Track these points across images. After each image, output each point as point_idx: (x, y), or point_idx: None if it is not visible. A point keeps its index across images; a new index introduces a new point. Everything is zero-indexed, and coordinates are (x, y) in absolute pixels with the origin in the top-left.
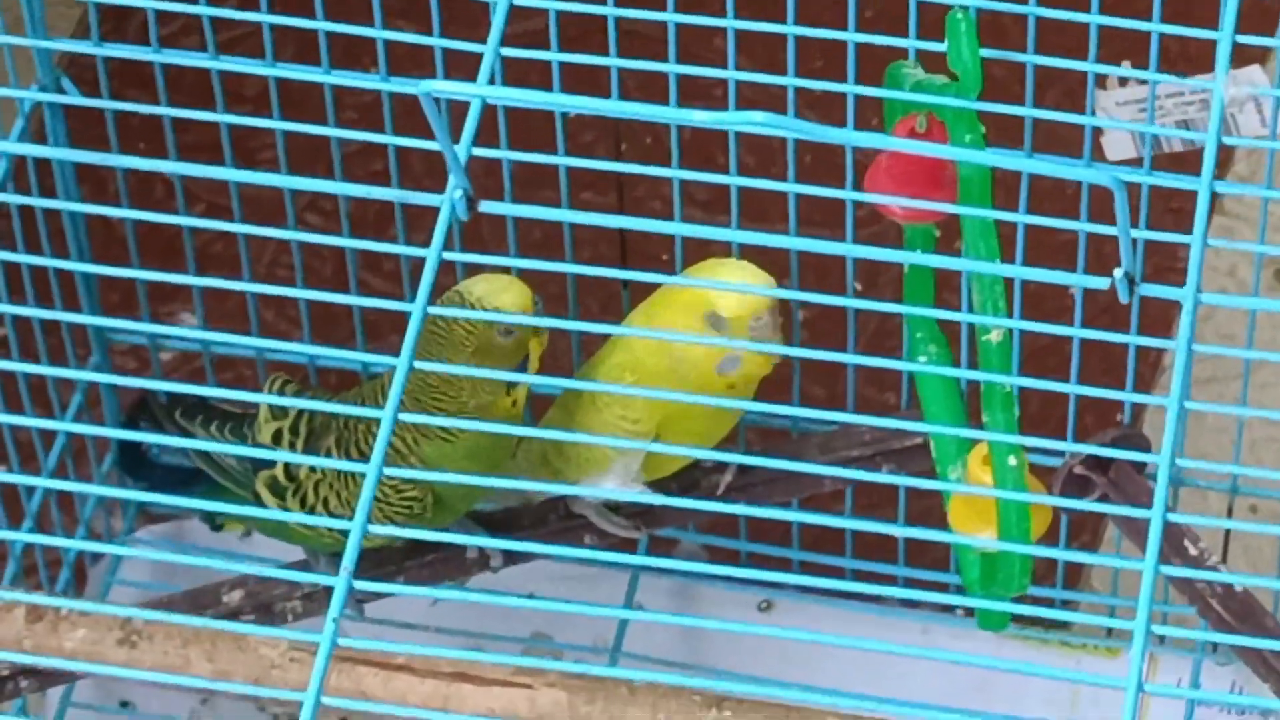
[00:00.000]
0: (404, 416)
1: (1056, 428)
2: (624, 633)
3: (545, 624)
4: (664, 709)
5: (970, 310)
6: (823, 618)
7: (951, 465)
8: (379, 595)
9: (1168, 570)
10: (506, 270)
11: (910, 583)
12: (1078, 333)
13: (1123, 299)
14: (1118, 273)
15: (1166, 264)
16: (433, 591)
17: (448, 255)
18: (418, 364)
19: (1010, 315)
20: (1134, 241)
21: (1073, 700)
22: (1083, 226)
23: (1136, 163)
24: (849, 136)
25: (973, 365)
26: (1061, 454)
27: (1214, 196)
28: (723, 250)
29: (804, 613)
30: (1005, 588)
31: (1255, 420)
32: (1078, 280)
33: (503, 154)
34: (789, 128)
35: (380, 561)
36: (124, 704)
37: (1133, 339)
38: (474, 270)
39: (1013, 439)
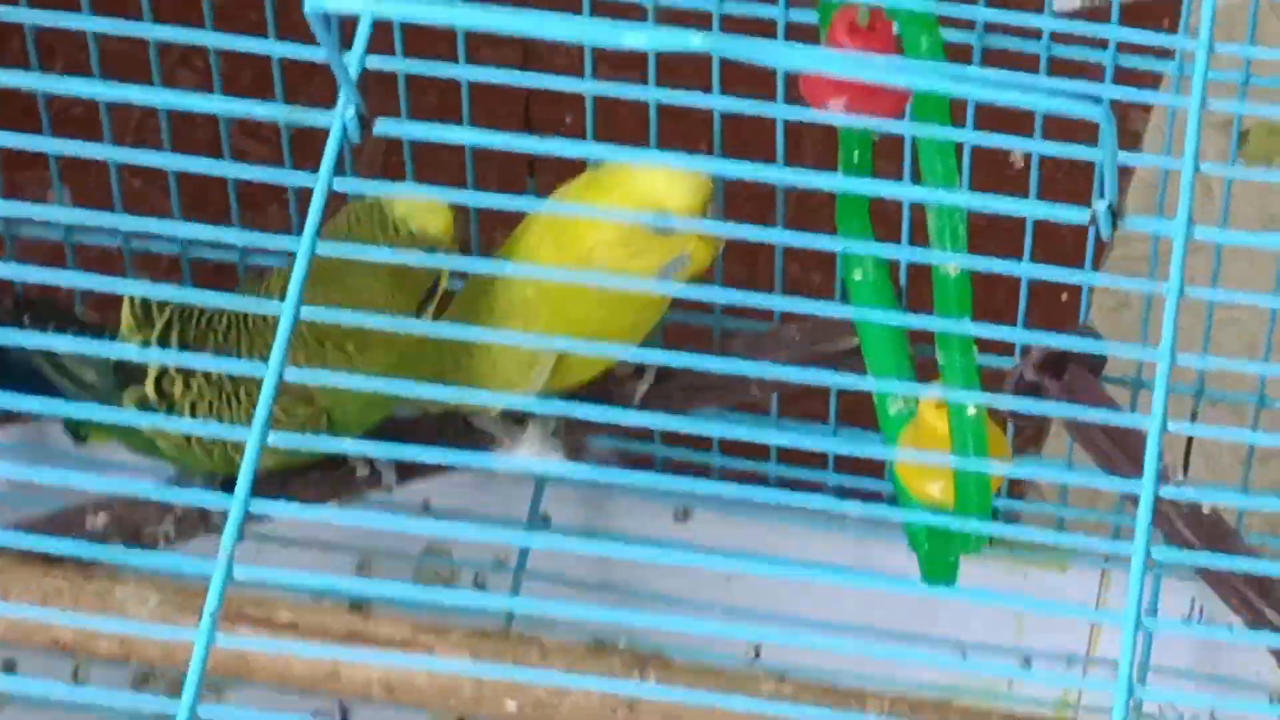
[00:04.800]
0: (307, 311)
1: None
2: (528, 549)
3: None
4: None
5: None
6: (745, 529)
7: (892, 397)
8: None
9: (1169, 493)
10: None
11: (842, 491)
12: (1080, 277)
13: (1104, 234)
14: (1100, 205)
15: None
16: (329, 514)
17: (338, 185)
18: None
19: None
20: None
21: (1018, 621)
22: (1062, 151)
23: (1086, 14)
24: (787, 56)
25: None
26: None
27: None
28: None
29: (724, 523)
30: (960, 547)
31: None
32: (1053, 214)
33: (399, 64)
34: (729, 48)
35: (259, 483)
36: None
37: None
38: None
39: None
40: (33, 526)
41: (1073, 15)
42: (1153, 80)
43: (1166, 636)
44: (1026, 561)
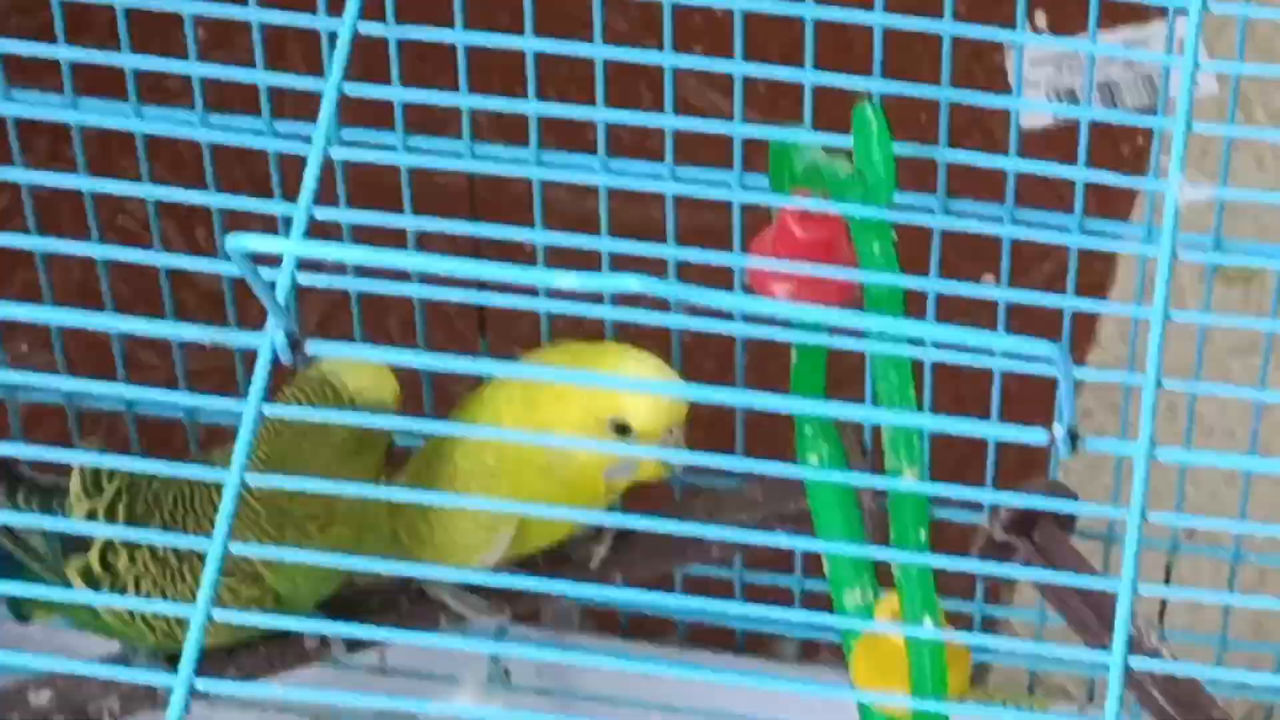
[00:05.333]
0: (251, 479)
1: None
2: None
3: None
4: None
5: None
6: (714, 691)
7: (849, 588)
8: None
9: (1139, 664)
10: None
11: (808, 648)
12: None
13: (1064, 456)
14: (1058, 429)
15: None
16: (280, 692)
17: (269, 410)
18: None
19: (924, 459)
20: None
21: None
22: (1011, 357)
23: (1055, 133)
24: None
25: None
26: (980, 509)
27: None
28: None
29: (691, 686)
30: None
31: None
32: (1006, 434)
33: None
34: (665, 290)
35: (206, 658)
36: None
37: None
38: None
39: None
40: None
41: (1043, 131)
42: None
43: None
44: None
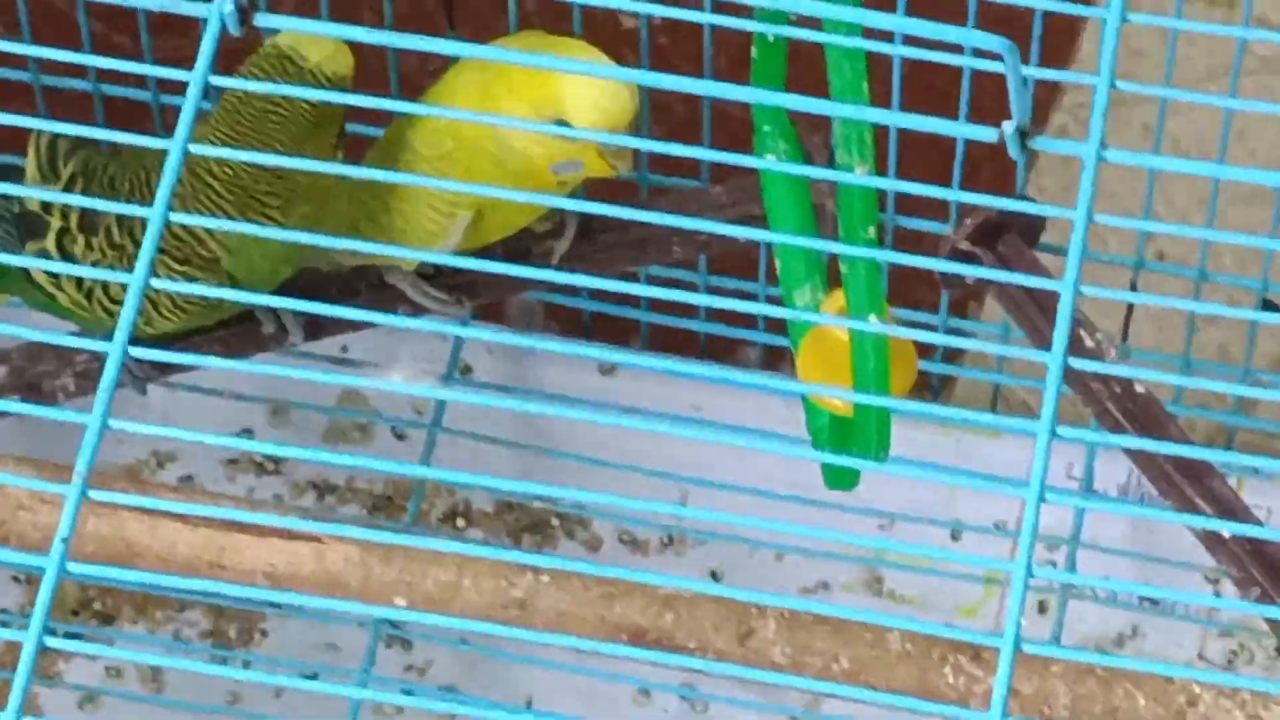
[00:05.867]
0: (194, 148)
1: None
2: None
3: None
4: (470, 571)
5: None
6: (672, 385)
7: (798, 288)
8: (163, 369)
9: (1076, 364)
10: None
11: (771, 355)
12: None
13: (1014, 155)
14: (1008, 126)
15: None
16: (219, 362)
17: (215, 80)
18: (192, 147)
19: (876, 152)
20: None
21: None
22: (966, 63)
23: None
24: None
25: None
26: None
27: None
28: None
29: (651, 378)
30: (860, 453)
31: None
32: (960, 130)
33: None
34: None
35: (165, 341)
36: None
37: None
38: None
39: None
40: None
41: None
42: None
43: (1102, 512)
44: (959, 428)
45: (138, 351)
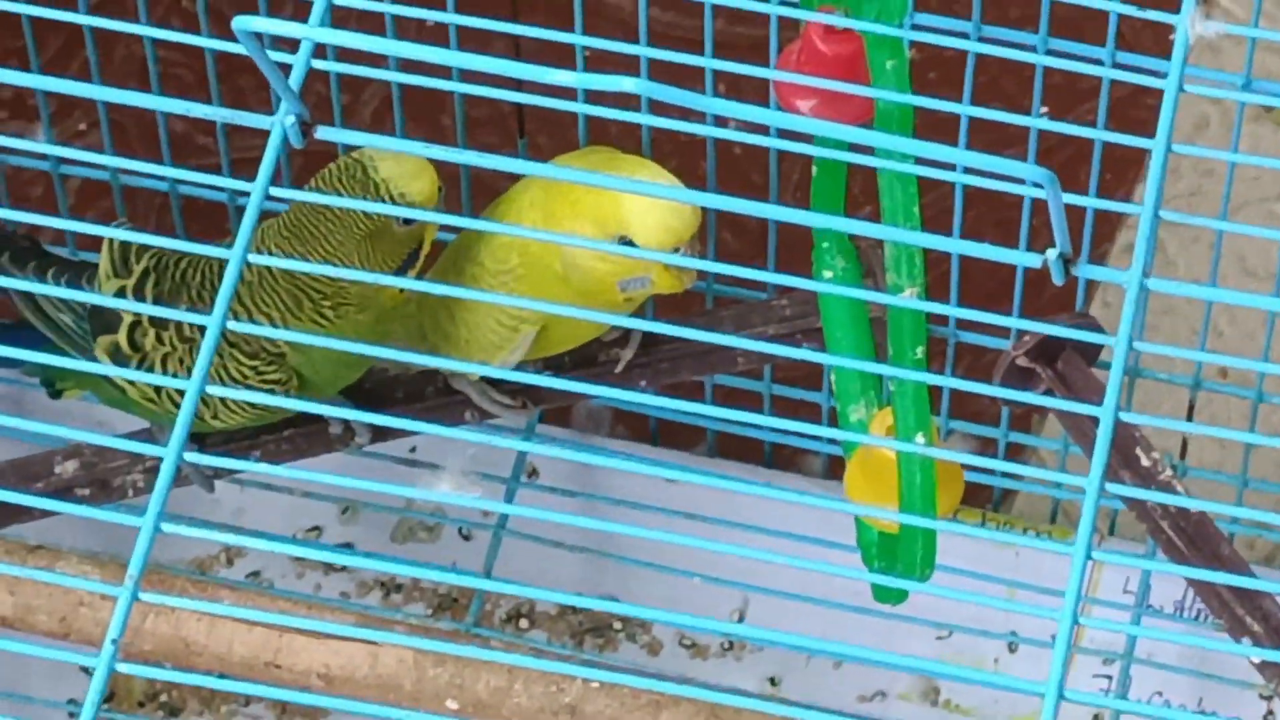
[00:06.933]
0: (253, 258)
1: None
2: (513, 498)
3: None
4: (521, 676)
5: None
6: (735, 494)
7: (853, 404)
8: (226, 471)
9: (1115, 489)
10: None
11: (834, 463)
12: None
13: (1057, 281)
14: (1051, 253)
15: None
16: (274, 469)
17: (275, 191)
18: (253, 258)
19: (925, 275)
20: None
21: (1008, 595)
22: (1020, 189)
23: None
24: (719, 105)
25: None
26: (1005, 331)
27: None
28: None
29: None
30: (905, 570)
31: (1228, 281)
32: (1005, 256)
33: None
34: (661, 94)
35: (233, 437)
36: None
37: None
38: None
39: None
40: (0, 472)
41: None
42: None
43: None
44: (1019, 530)
45: (192, 457)
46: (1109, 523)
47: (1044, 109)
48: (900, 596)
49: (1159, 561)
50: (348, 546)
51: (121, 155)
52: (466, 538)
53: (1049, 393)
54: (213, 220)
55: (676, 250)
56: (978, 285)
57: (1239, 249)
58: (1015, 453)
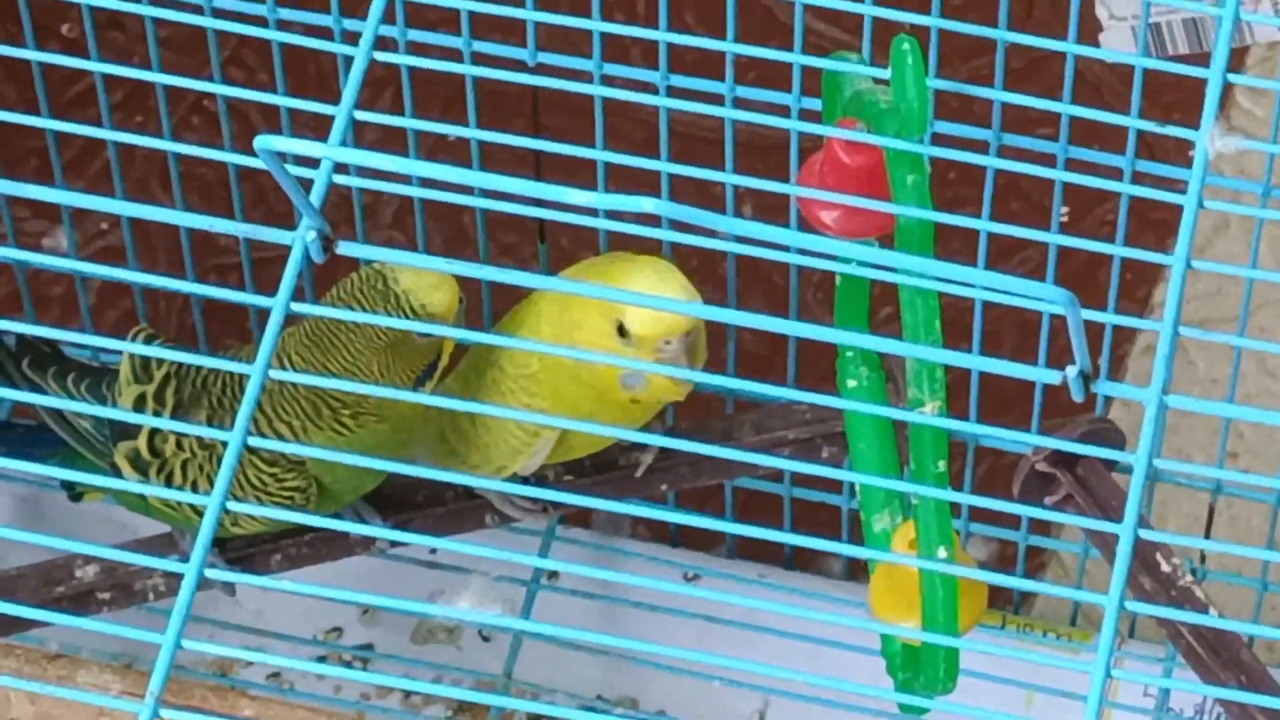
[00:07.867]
0: (274, 374)
1: (1020, 419)
2: (534, 600)
3: (446, 581)
4: None
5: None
6: (756, 592)
7: (878, 513)
8: None
9: (1134, 607)
10: None
11: (855, 565)
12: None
13: (1077, 398)
14: (1070, 370)
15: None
16: (297, 588)
17: (296, 307)
18: (274, 374)
19: (946, 390)
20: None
21: (1028, 701)
22: (1039, 306)
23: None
24: (739, 225)
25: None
26: (1024, 443)
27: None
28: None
29: (734, 588)
30: (928, 685)
31: (1248, 381)
32: (1025, 373)
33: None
34: (681, 214)
35: (253, 541)
36: None
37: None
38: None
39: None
40: (20, 579)
41: None
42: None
43: None
44: (1039, 638)
45: (213, 574)
46: (1129, 624)
47: (1065, 210)
48: (923, 710)
49: (1177, 680)
50: (368, 647)
51: (143, 253)
52: (486, 639)
53: (1069, 497)
54: (234, 319)
55: (668, 342)
56: (999, 385)
57: (1267, 361)
58: (1035, 555)
